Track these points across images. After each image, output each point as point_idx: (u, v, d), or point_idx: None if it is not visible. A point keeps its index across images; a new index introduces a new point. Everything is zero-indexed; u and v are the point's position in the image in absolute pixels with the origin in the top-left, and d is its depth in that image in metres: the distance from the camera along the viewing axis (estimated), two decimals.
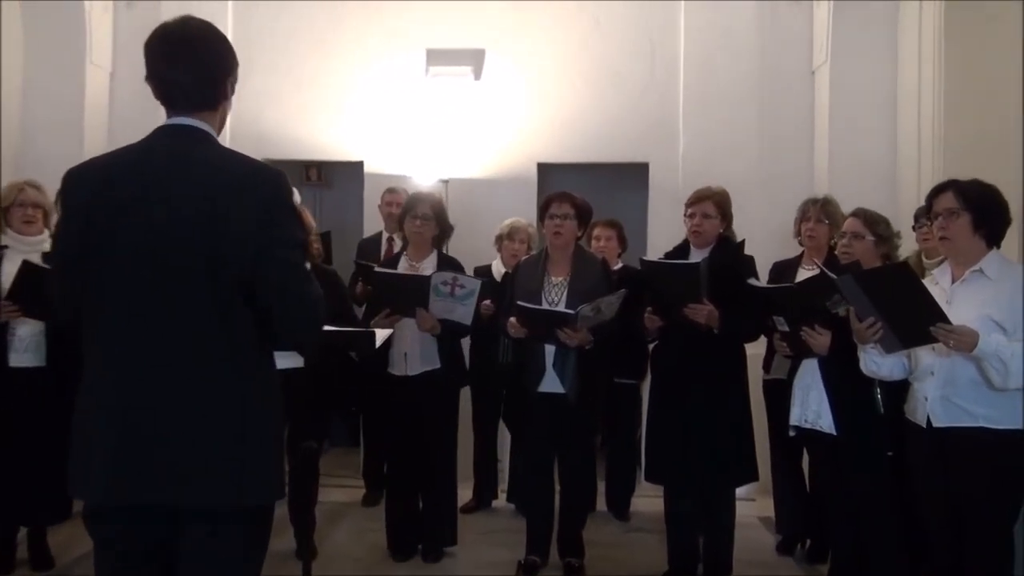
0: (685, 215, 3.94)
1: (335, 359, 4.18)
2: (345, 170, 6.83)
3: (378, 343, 3.42)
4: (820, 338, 3.43)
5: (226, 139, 2.11)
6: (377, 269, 4.20)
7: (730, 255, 3.83)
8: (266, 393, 1.97)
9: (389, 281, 4.04)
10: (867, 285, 2.99)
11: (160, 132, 1.98)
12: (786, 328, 3.53)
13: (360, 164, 6.14)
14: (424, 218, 4.17)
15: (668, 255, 4.00)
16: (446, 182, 5.95)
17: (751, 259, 3.89)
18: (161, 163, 1.92)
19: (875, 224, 3.63)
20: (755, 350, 4.19)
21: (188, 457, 1.86)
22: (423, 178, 5.94)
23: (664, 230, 5.45)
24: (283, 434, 2.09)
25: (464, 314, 4.00)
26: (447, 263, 4.20)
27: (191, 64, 1.95)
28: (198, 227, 1.86)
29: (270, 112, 6.02)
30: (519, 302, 3.75)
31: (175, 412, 1.87)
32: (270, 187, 1.92)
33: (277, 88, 6.03)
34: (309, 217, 4.05)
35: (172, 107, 1.98)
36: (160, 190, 1.88)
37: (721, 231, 3.91)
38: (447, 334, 4.08)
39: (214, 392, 1.88)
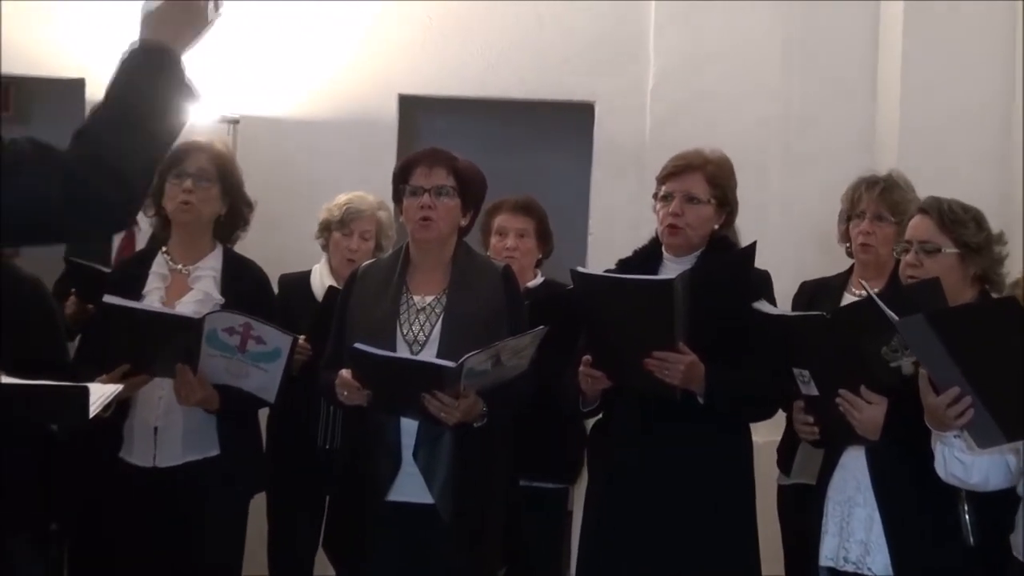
0: (656, 197, 4.05)
1: (22, 437, 4.15)
2: (55, 94, 6.74)
3: (95, 408, 3.40)
4: (868, 410, 3.50)
5: None
6: (107, 300, 4.09)
7: (730, 268, 3.94)
8: None
9: (126, 318, 3.99)
10: (948, 333, 3.03)
11: None
12: (813, 391, 3.62)
13: (80, 84, 6.11)
14: (200, 176, 4.16)
15: (623, 265, 4.10)
16: (234, 123, 5.98)
17: (766, 276, 4.00)
18: None
19: (958, 226, 3.67)
20: (768, 436, 4.33)
21: None
22: (193, 115, 5.91)
23: (617, 220, 5.56)
24: None
25: (263, 384, 4.02)
26: (239, 272, 4.23)
27: None
28: None
29: None
30: (358, 345, 3.77)
31: None
32: None
33: None
34: None
35: None
36: None
37: (716, 227, 4.02)
38: (233, 404, 4.10)
39: None
